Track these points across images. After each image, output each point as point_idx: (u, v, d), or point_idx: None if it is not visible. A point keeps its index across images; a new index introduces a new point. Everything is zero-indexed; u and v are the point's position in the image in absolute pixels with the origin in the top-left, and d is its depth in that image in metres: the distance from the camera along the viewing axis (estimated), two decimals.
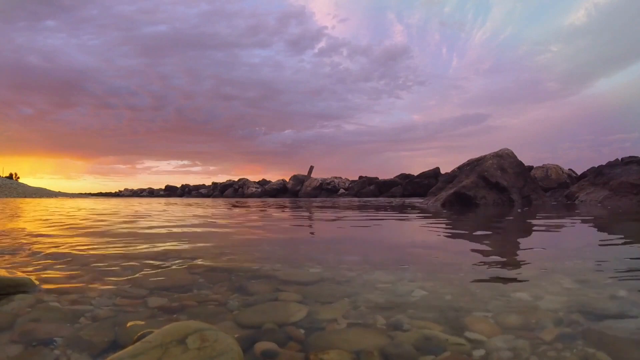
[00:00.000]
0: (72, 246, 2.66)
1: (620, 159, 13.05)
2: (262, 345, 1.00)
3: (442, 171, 29.40)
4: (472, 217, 6.48)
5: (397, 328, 1.11)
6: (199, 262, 2.07)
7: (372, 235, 3.84)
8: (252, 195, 43.67)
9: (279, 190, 44.03)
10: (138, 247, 2.62)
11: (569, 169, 24.81)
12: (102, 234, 3.49)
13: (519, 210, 8.20)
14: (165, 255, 2.29)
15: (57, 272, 1.83)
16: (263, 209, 9.68)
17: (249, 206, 11.83)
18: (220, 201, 20.57)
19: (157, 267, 1.95)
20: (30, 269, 1.90)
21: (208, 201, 21.02)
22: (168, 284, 1.60)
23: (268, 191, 44.06)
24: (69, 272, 1.82)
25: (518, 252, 2.60)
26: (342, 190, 40.30)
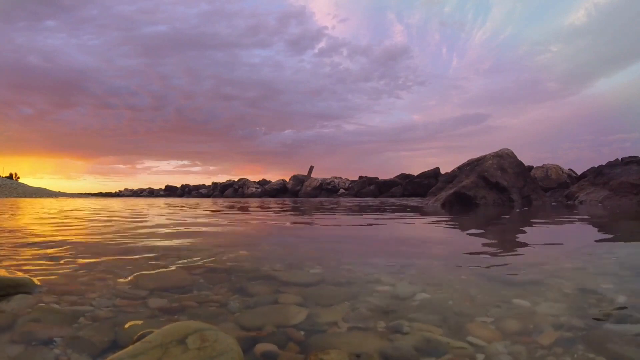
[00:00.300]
0: (72, 246, 2.66)
1: (620, 159, 13.05)
2: (263, 347, 1.01)
3: (442, 171, 29.43)
4: (472, 217, 6.49)
5: (398, 331, 1.11)
6: (199, 262, 2.07)
7: (372, 236, 3.84)
8: (252, 195, 43.67)
9: (279, 190, 44.03)
10: (138, 247, 2.62)
11: (569, 169, 24.83)
12: (102, 234, 3.49)
13: (519, 210, 8.20)
14: (165, 255, 2.29)
15: (57, 272, 1.83)
16: (263, 209, 9.68)
17: (249, 206, 11.83)
18: (220, 201, 20.56)
19: (158, 267, 1.95)
20: (30, 268, 1.90)
21: (208, 201, 21.01)
22: (168, 285, 1.60)
23: (268, 191, 44.06)
24: (69, 272, 1.82)
25: (518, 253, 2.60)
26: (342, 190, 40.30)
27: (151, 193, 58.69)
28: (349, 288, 1.58)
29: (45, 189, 44.15)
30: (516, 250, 2.71)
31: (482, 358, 0.95)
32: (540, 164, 24.51)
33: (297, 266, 2.02)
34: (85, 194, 58.37)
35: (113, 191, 67.87)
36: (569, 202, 12.65)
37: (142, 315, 1.24)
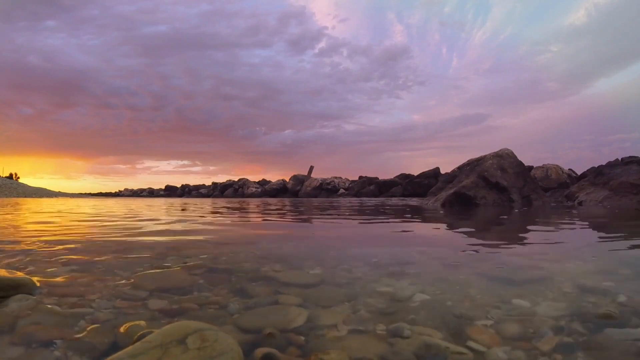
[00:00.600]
0: (72, 246, 2.66)
1: (620, 159, 13.04)
2: (263, 350, 1.01)
3: (442, 171, 29.44)
4: (471, 217, 6.48)
5: (397, 335, 1.11)
6: (199, 262, 2.07)
7: (372, 235, 3.84)
8: (252, 195, 43.67)
9: (279, 190, 44.02)
10: (138, 247, 2.62)
11: (569, 169, 24.83)
12: (102, 234, 3.49)
13: (519, 210, 8.20)
14: (165, 255, 2.29)
15: (57, 272, 1.83)
16: (262, 209, 9.68)
17: (249, 206, 11.83)
18: (220, 201, 20.56)
19: (157, 267, 1.95)
20: (30, 269, 1.90)
21: (208, 201, 21.01)
22: (168, 285, 1.60)
23: (268, 191, 44.05)
24: (69, 273, 1.82)
25: (518, 252, 2.60)
26: (342, 190, 40.29)
27: (151, 193, 58.68)
28: (348, 289, 1.58)
29: (45, 189, 44.15)
30: (516, 250, 2.71)
31: None
32: (540, 164, 24.53)
33: (297, 267, 2.02)
34: (85, 194, 58.36)
35: (113, 191, 67.91)
36: (569, 202, 12.65)
37: (142, 317, 1.24)
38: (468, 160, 12.65)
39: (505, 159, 11.76)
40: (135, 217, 6.13)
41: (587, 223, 4.89)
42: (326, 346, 1.04)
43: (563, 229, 4.13)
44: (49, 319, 1.21)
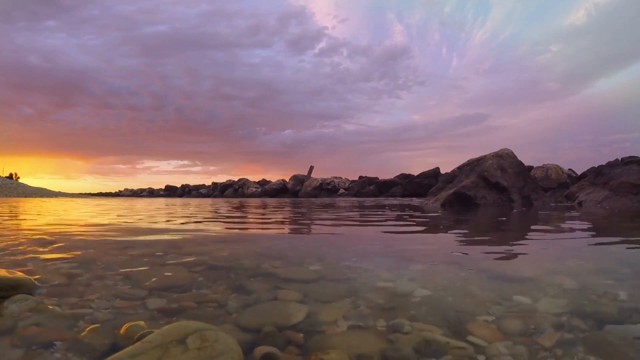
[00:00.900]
0: (71, 245, 2.65)
1: (620, 159, 13.04)
2: (263, 349, 1.00)
3: (442, 171, 29.42)
4: (471, 217, 6.48)
5: (398, 331, 1.11)
6: (198, 259, 2.07)
7: (372, 233, 3.84)
8: (252, 195, 43.67)
9: (279, 190, 44.01)
10: (137, 245, 2.62)
11: (569, 169, 24.81)
12: (102, 233, 3.49)
13: (518, 210, 8.20)
14: (164, 253, 2.29)
15: (57, 271, 1.83)
16: (262, 209, 9.68)
17: (249, 206, 11.83)
18: (220, 201, 20.56)
19: (157, 265, 1.95)
20: (30, 268, 1.90)
21: (208, 201, 21.01)
22: (167, 284, 1.60)
23: (268, 191, 44.04)
24: (68, 272, 1.81)
25: (518, 252, 2.60)
26: (342, 190, 40.28)
27: (151, 193, 58.67)
28: (348, 285, 1.57)
29: (45, 189, 44.14)
30: (516, 249, 2.71)
31: (483, 359, 0.95)
32: (540, 164, 24.51)
33: (296, 263, 2.02)
34: (85, 194, 58.35)
35: (113, 191, 67.91)
36: (568, 202, 12.65)
37: (142, 317, 1.24)
38: (468, 160, 12.65)
39: (505, 159, 11.76)
40: (137, 215, 6.12)
41: (587, 223, 4.89)
42: (326, 344, 1.04)
43: (563, 229, 4.13)
44: (49, 320, 1.21)
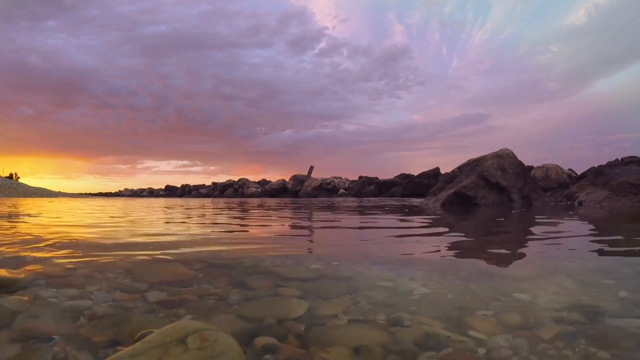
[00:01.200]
0: (71, 243, 2.65)
1: (620, 159, 13.04)
2: (263, 340, 1.00)
3: (442, 171, 29.40)
4: (471, 217, 6.48)
5: (398, 324, 1.11)
6: (199, 257, 2.07)
7: (371, 233, 3.84)
8: (252, 195, 43.68)
9: (279, 190, 44.03)
10: (138, 244, 2.62)
11: (569, 169, 24.81)
12: (102, 233, 3.49)
13: (516, 210, 8.20)
14: (165, 251, 2.29)
15: (56, 267, 1.83)
16: (263, 209, 9.68)
17: (249, 206, 11.83)
18: (220, 201, 20.56)
19: (157, 262, 1.96)
20: (29, 268, 1.90)
21: (208, 201, 21.02)
22: (168, 279, 1.60)
23: (268, 191, 44.05)
24: (68, 268, 1.82)
25: (518, 252, 2.60)
26: (342, 190, 40.30)
27: (151, 193, 58.70)
28: (349, 283, 1.57)
29: (45, 189, 44.14)
30: (516, 249, 2.71)
31: (484, 352, 0.95)
32: (540, 164, 24.51)
33: (297, 262, 2.02)
34: (85, 194, 58.37)
35: (113, 191, 67.93)
36: (568, 202, 12.66)
37: (142, 309, 1.24)
38: (468, 160, 12.65)
39: (505, 159, 11.77)
40: (137, 214, 6.13)
41: (587, 223, 4.89)
42: (326, 335, 1.04)
43: (563, 229, 4.13)
44: (48, 313, 1.21)
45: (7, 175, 49.84)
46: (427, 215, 6.56)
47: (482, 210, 8.20)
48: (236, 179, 50.03)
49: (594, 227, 4.32)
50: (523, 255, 2.42)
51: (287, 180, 45.68)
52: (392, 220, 5.40)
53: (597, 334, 1.04)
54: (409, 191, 32.70)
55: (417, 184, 32.89)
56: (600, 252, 2.50)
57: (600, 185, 12.29)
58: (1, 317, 1.17)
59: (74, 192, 52.68)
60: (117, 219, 5.18)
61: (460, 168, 12.67)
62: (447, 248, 2.68)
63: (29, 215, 6.36)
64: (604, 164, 13.42)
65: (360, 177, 40.86)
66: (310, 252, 2.53)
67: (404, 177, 36.95)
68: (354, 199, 27.24)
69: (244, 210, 8.47)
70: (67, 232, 3.46)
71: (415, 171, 41.97)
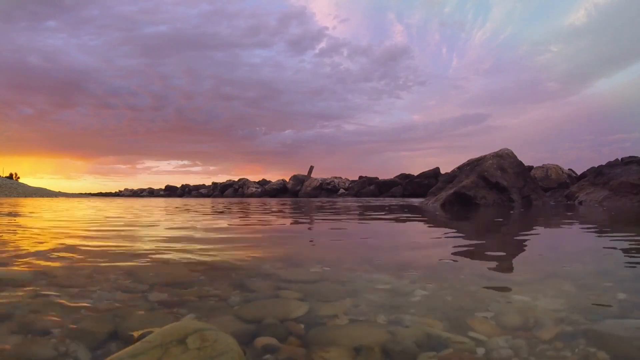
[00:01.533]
0: (72, 242, 2.66)
1: (620, 159, 13.05)
2: (263, 340, 1.01)
3: (442, 171, 29.41)
4: (471, 218, 6.48)
5: (398, 324, 1.11)
6: (200, 259, 2.08)
7: (371, 235, 3.84)
8: (252, 195, 43.68)
9: (279, 190, 44.03)
10: (139, 244, 2.62)
11: (569, 169, 24.81)
12: (102, 233, 3.50)
13: (514, 211, 8.20)
14: (165, 252, 2.29)
15: (58, 266, 1.84)
16: (263, 209, 9.67)
17: (250, 207, 11.83)
18: (220, 201, 20.56)
19: (158, 263, 1.96)
20: (30, 265, 1.90)
21: (208, 201, 21.01)
22: (168, 280, 1.61)
23: (268, 191, 44.06)
24: (69, 267, 1.82)
25: (517, 254, 2.60)
26: (342, 190, 40.30)
27: (151, 193, 58.69)
28: (349, 285, 1.58)
29: (45, 189, 44.14)
30: (516, 251, 2.71)
31: (483, 352, 0.95)
32: (540, 164, 24.51)
33: (297, 264, 2.02)
34: (86, 194, 58.40)
35: (113, 191, 67.90)
36: (568, 202, 12.65)
37: (143, 309, 1.24)
38: (468, 160, 12.65)
39: (505, 159, 11.77)
40: (138, 215, 6.13)
41: (586, 224, 4.89)
42: (327, 335, 1.04)
43: (562, 231, 4.13)
44: (48, 308, 1.22)
45: (7, 175, 49.84)
46: (427, 216, 6.56)
47: (482, 211, 8.20)
48: (236, 179, 50.04)
49: (593, 229, 4.32)
50: (523, 257, 2.42)
51: (287, 180, 45.68)
52: (392, 221, 5.40)
53: (596, 334, 1.04)
54: (409, 191, 32.70)
55: (417, 184, 32.89)
56: (600, 254, 2.50)
57: (600, 185, 12.29)
58: (2, 311, 1.17)
59: (74, 192, 52.69)
60: (117, 219, 5.19)
61: (460, 168, 12.67)
62: (446, 250, 2.68)
63: (29, 215, 6.36)
64: (604, 164, 13.43)
65: (360, 177, 40.86)
66: (309, 254, 2.53)
67: (404, 177, 36.95)
68: (353, 199, 27.24)
69: (245, 211, 8.47)
70: (68, 233, 3.46)
71: (415, 171, 41.99)
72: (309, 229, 4.57)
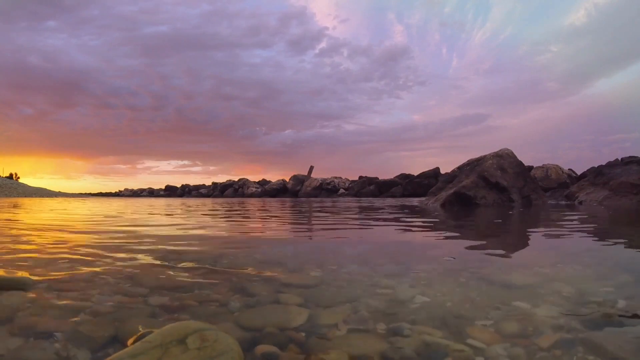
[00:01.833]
0: (72, 244, 2.66)
1: (620, 159, 13.04)
2: (263, 348, 1.01)
3: (442, 171, 29.42)
4: (471, 218, 6.48)
5: (398, 334, 1.12)
6: (200, 263, 2.07)
7: (371, 238, 3.84)
8: (252, 195, 43.67)
9: (279, 190, 44.02)
10: (139, 248, 2.62)
11: (569, 169, 24.81)
12: (102, 233, 3.49)
13: (518, 211, 8.20)
14: (166, 256, 2.29)
15: (58, 270, 1.83)
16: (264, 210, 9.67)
17: (250, 207, 11.82)
18: (221, 201, 20.55)
19: (158, 267, 1.96)
20: (30, 266, 1.90)
21: (208, 202, 21.00)
22: (169, 284, 1.61)
23: (268, 191, 44.05)
24: (69, 270, 1.82)
25: (517, 256, 2.60)
26: (342, 190, 40.29)
27: (151, 193, 58.67)
28: (349, 290, 1.58)
29: (45, 189, 44.14)
30: (515, 255, 2.71)
31: None
32: (540, 164, 24.50)
33: (297, 269, 2.02)
34: (86, 193, 58.43)
35: (113, 191, 67.91)
36: (568, 202, 12.65)
37: (143, 312, 1.24)
38: (468, 160, 12.65)
39: (505, 159, 11.77)
40: (138, 216, 6.12)
41: (586, 225, 4.88)
42: (326, 344, 1.04)
43: (562, 231, 4.12)
44: (49, 312, 1.22)
45: (7, 175, 49.85)
46: (427, 216, 6.56)
47: (482, 211, 8.20)
48: (236, 179, 50.06)
49: (593, 230, 4.32)
50: (522, 261, 2.41)
51: (287, 180, 45.67)
52: (391, 222, 5.40)
53: (595, 342, 1.04)
54: (409, 191, 32.70)
55: (417, 184, 32.88)
56: (600, 258, 2.49)
57: (600, 185, 12.29)
58: (2, 314, 1.18)
59: (74, 192, 52.71)
60: (117, 220, 5.18)
61: (460, 168, 12.67)
62: (446, 252, 2.68)
63: (29, 214, 6.36)
64: (604, 164, 13.43)
65: (360, 177, 40.85)
66: (309, 257, 2.53)
67: (404, 177, 36.94)
68: (354, 199, 27.23)
69: (244, 211, 8.47)
70: (69, 234, 3.46)
71: (415, 171, 42.00)
72: (309, 230, 4.57)
